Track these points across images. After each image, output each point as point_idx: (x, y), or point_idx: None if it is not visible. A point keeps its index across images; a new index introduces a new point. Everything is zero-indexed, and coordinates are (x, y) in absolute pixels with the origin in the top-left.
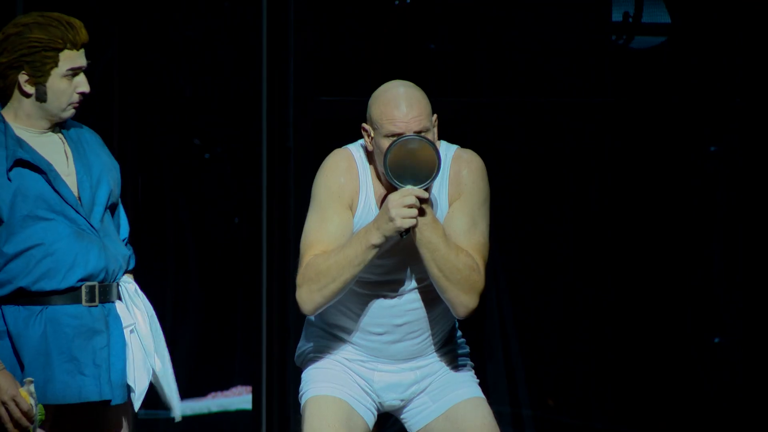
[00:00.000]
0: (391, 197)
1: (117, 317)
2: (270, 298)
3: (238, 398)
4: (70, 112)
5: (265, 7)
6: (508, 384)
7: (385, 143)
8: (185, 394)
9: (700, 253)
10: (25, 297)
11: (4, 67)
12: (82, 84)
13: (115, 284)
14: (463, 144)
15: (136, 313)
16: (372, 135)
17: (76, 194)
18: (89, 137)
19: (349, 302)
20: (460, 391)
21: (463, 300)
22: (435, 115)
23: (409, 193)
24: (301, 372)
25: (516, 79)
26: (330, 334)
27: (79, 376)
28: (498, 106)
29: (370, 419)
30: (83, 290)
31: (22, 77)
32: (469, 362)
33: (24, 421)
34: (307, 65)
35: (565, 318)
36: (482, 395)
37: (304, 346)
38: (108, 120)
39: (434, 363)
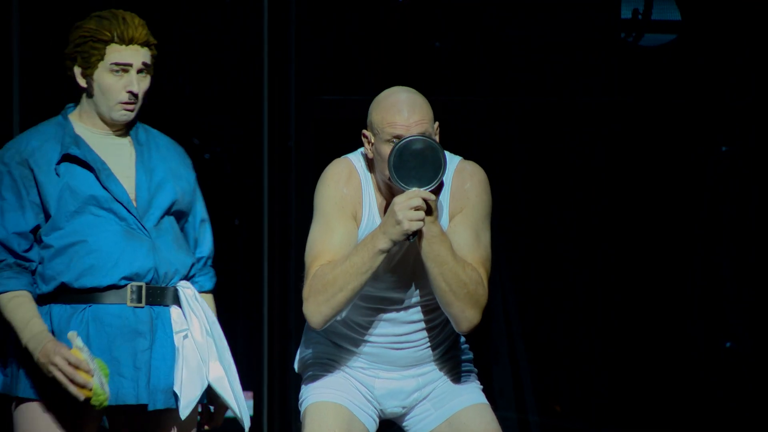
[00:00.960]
0: (397, 200)
1: (167, 321)
2: (271, 302)
3: (248, 402)
4: (119, 113)
5: (266, 5)
6: (514, 389)
7: (386, 148)
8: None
9: (711, 256)
10: (70, 294)
11: (65, 59)
12: (130, 83)
13: (170, 288)
14: (469, 144)
15: (192, 319)
16: (372, 141)
17: (132, 195)
18: (163, 144)
19: (351, 314)
20: (464, 397)
21: (468, 315)
22: (437, 123)
23: (415, 195)
24: (301, 378)
25: (523, 78)
26: (330, 341)
27: (118, 377)
28: (504, 106)
29: (372, 426)
30: (128, 290)
31: (77, 69)
32: (473, 368)
33: (80, 377)
34: (308, 64)
35: (573, 322)
36: (486, 401)
37: (303, 352)
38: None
39: (437, 369)
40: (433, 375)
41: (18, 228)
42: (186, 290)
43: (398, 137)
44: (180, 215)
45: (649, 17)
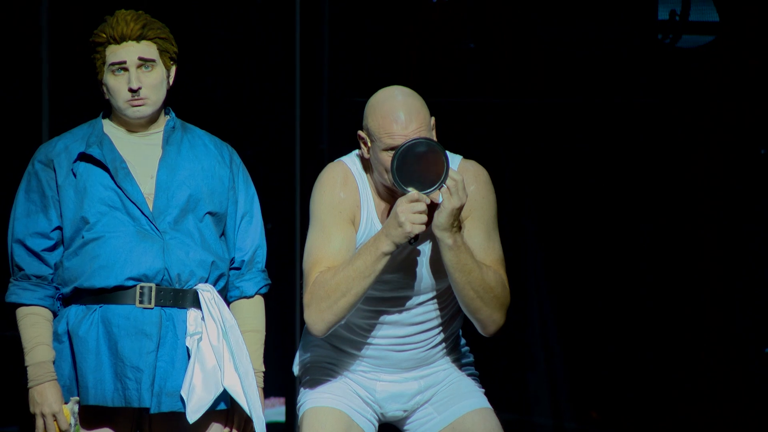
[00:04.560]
0: (400, 202)
1: (179, 323)
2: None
3: (271, 410)
4: (130, 110)
5: (298, 6)
6: (550, 396)
7: (384, 156)
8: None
9: (751, 260)
10: (85, 295)
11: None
12: (130, 80)
13: (188, 291)
14: (504, 144)
15: (209, 322)
16: (369, 145)
17: (151, 195)
18: (199, 143)
19: (352, 317)
20: (467, 401)
21: (495, 318)
22: (433, 118)
23: (417, 197)
24: (298, 382)
25: (560, 80)
26: (331, 344)
27: (124, 379)
28: (540, 107)
29: (371, 430)
30: (136, 291)
31: (100, 75)
32: (475, 371)
33: None
34: (340, 66)
35: (609, 328)
36: (489, 406)
37: (303, 356)
38: None
39: (438, 372)
40: (436, 378)
41: (38, 228)
42: (204, 293)
43: (396, 147)
44: (214, 214)
45: (687, 18)
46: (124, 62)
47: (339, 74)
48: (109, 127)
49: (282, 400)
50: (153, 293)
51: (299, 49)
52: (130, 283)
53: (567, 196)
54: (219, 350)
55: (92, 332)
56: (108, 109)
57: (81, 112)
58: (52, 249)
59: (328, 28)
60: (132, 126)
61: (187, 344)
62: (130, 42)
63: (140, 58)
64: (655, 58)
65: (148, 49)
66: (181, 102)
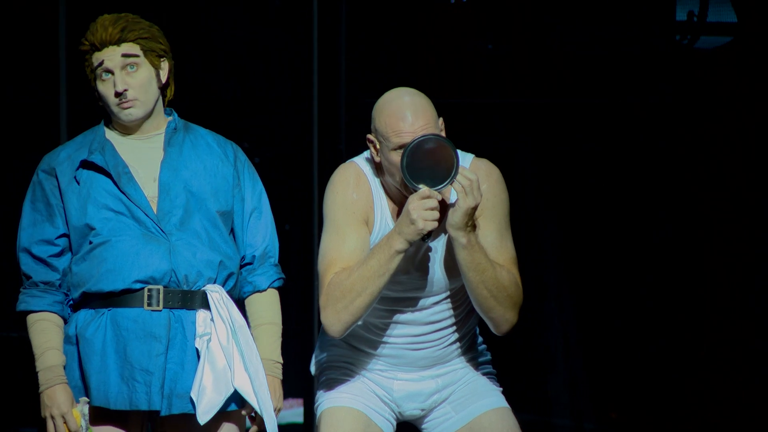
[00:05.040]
0: (411, 199)
1: (188, 325)
2: None
3: (290, 411)
4: (122, 113)
5: (315, 8)
6: (570, 397)
7: (393, 156)
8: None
9: None
10: (93, 299)
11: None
12: (115, 83)
13: (196, 291)
14: (522, 145)
15: (218, 323)
16: (378, 147)
17: (154, 197)
18: (202, 142)
19: (368, 316)
20: (484, 401)
21: (508, 317)
22: (441, 119)
23: (428, 194)
24: (316, 382)
25: (578, 81)
26: (347, 344)
27: (132, 381)
28: (558, 108)
29: (389, 429)
30: (144, 293)
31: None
32: (492, 370)
33: None
34: (358, 67)
35: (630, 328)
36: (507, 405)
37: (320, 355)
38: None
39: (456, 371)
40: (453, 377)
41: (44, 236)
42: (213, 293)
43: (404, 146)
44: (221, 213)
45: (705, 19)
46: (106, 67)
47: (356, 76)
48: (110, 132)
49: (300, 401)
50: (161, 295)
51: (317, 50)
52: (138, 285)
53: (585, 197)
54: (229, 350)
55: (99, 334)
56: (108, 116)
57: (98, 114)
58: (58, 255)
59: (346, 29)
60: (130, 129)
61: (196, 345)
62: (111, 47)
63: (123, 61)
64: (673, 58)
65: (129, 50)
66: (199, 103)
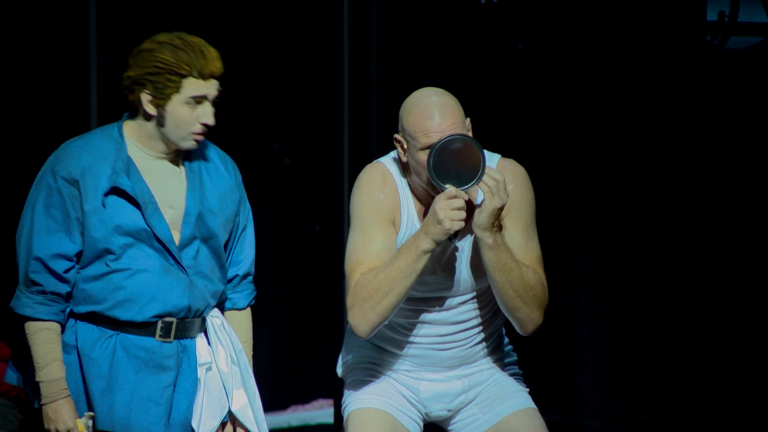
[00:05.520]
0: (438, 199)
1: (192, 354)
2: None
3: (319, 412)
4: (190, 143)
5: (346, 8)
6: (598, 398)
7: (421, 156)
8: (265, 408)
9: None
10: (102, 320)
11: (131, 81)
12: (205, 114)
13: (198, 319)
14: (551, 145)
15: (218, 350)
16: (405, 147)
17: (177, 227)
18: (212, 166)
19: (395, 316)
20: (511, 401)
21: (534, 317)
22: (468, 120)
23: (455, 194)
24: (343, 383)
25: (608, 81)
26: (373, 344)
27: (139, 411)
28: (588, 108)
29: (416, 431)
30: (158, 325)
31: (145, 96)
32: (519, 371)
33: None
34: (388, 67)
35: (659, 329)
36: (534, 406)
37: (346, 356)
38: None
39: (482, 372)
40: (479, 377)
41: (61, 250)
42: (214, 319)
43: (432, 146)
44: (226, 241)
45: (735, 20)
46: (206, 97)
47: (387, 76)
48: (133, 149)
49: (330, 401)
50: (173, 327)
51: (347, 51)
52: (154, 319)
53: (614, 197)
54: (229, 375)
55: (106, 357)
56: (136, 126)
57: (128, 108)
58: (72, 269)
59: (376, 30)
60: (162, 150)
61: (198, 374)
62: (213, 80)
63: (215, 95)
64: (704, 59)
65: (219, 87)
66: (229, 104)
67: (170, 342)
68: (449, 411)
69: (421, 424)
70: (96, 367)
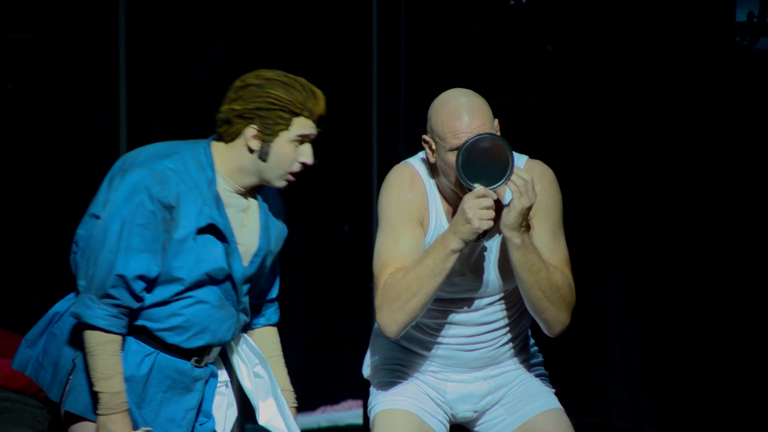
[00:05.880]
0: (467, 198)
1: (216, 375)
2: None
3: (349, 413)
4: (283, 182)
5: (375, 9)
6: (628, 400)
7: (450, 157)
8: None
9: None
10: (147, 337)
11: (235, 115)
12: (306, 153)
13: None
14: (579, 146)
15: (240, 367)
16: (434, 147)
17: (244, 265)
18: (277, 205)
19: (422, 317)
20: (538, 402)
21: (561, 318)
22: (496, 120)
23: (484, 193)
24: (369, 384)
25: (635, 82)
26: (400, 345)
27: (158, 430)
28: (615, 109)
29: None
30: (198, 352)
31: (250, 131)
32: (544, 371)
33: None
34: (417, 68)
35: (690, 330)
36: (560, 406)
37: (372, 358)
38: (213, 121)
39: (509, 373)
40: (506, 378)
41: (145, 271)
42: (236, 339)
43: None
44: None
45: (765, 20)
46: (312, 137)
47: (416, 77)
48: (221, 184)
49: (359, 402)
50: (210, 355)
51: (376, 52)
52: (198, 348)
53: (642, 198)
54: (252, 391)
55: (142, 373)
56: (225, 156)
57: (157, 108)
58: (146, 288)
59: (405, 30)
60: (247, 185)
61: (216, 393)
62: (317, 119)
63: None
64: (733, 59)
65: None
66: None
67: (202, 367)
68: (475, 412)
69: (448, 425)
70: (131, 382)
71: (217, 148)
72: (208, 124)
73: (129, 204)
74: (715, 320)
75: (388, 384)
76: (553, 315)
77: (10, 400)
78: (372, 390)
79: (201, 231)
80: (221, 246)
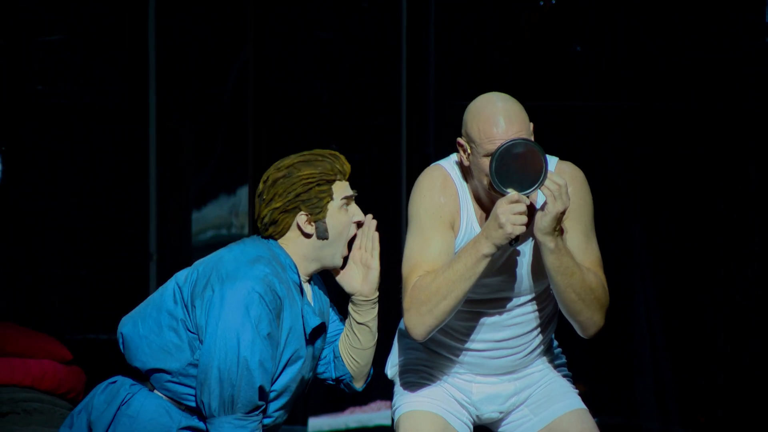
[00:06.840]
0: (500, 203)
1: None
2: None
3: (377, 414)
4: (340, 260)
5: (404, 11)
6: (657, 400)
7: (485, 162)
8: (323, 409)
9: None
10: (144, 379)
11: (279, 212)
12: (357, 213)
13: None
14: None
15: None
16: (469, 151)
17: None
18: (320, 294)
19: (451, 319)
20: (563, 402)
21: (596, 320)
22: (532, 124)
23: (517, 198)
24: (394, 385)
25: (667, 84)
26: (425, 347)
27: None
28: (648, 111)
29: None
30: None
31: (301, 218)
32: (568, 372)
33: None
34: (447, 69)
35: (719, 331)
36: (584, 406)
37: (396, 358)
38: (243, 124)
39: (533, 374)
40: (531, 379)
41: (273, 377)
42: None
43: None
44: None
45: None
46: (354, 196)
47: (445, 78)
48: (291, 281)
49: (388, 403)
50: None
51: (405, 53)
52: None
53: (674, 200)
54: None
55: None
56: (293, 251)
57: (187, 113)
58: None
59: (435, 31)
60: (310, 274)
61: None
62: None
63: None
64: (764, 61)
65: None
66: (288, 108)
67: None
68: (501, 413)
69: (472, 426)
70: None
71: (287, 244)
72: (237, 128)
73: (250, 317)
74: (745, 321)
75: (413, 385)
76: (588, 317)
77: (40, 401)
78: (396, 390)
79: (290, 334)
80: (297, 346)
